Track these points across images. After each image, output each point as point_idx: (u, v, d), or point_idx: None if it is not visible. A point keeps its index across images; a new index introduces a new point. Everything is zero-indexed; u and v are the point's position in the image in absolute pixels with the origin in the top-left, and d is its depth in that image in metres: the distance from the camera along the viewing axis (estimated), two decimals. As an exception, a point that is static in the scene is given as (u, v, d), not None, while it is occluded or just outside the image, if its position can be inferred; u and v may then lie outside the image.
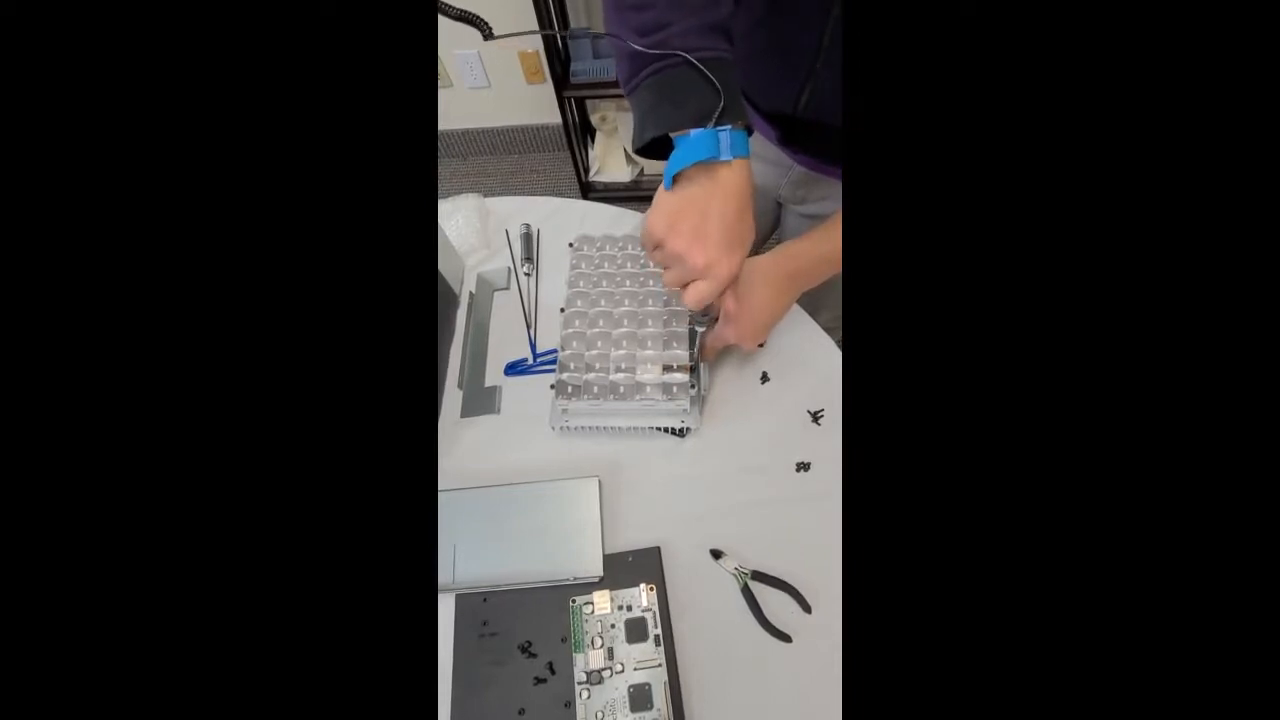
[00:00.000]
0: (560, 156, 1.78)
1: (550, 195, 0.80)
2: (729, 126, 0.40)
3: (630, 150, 1.56)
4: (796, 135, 0.64)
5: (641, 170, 1.66)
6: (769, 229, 0.84)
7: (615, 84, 1.37)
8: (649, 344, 0.58)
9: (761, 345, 0.63)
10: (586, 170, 1.65)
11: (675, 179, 0.42)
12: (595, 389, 0.56)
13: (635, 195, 1.62)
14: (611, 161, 1.66)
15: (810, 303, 0.64)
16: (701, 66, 0.40)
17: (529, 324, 0.68)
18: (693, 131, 0.40)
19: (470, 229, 0.76)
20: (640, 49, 0.41)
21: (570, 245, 0.66)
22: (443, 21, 0.53)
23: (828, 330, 0.65)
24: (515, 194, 0.84)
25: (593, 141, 1.68)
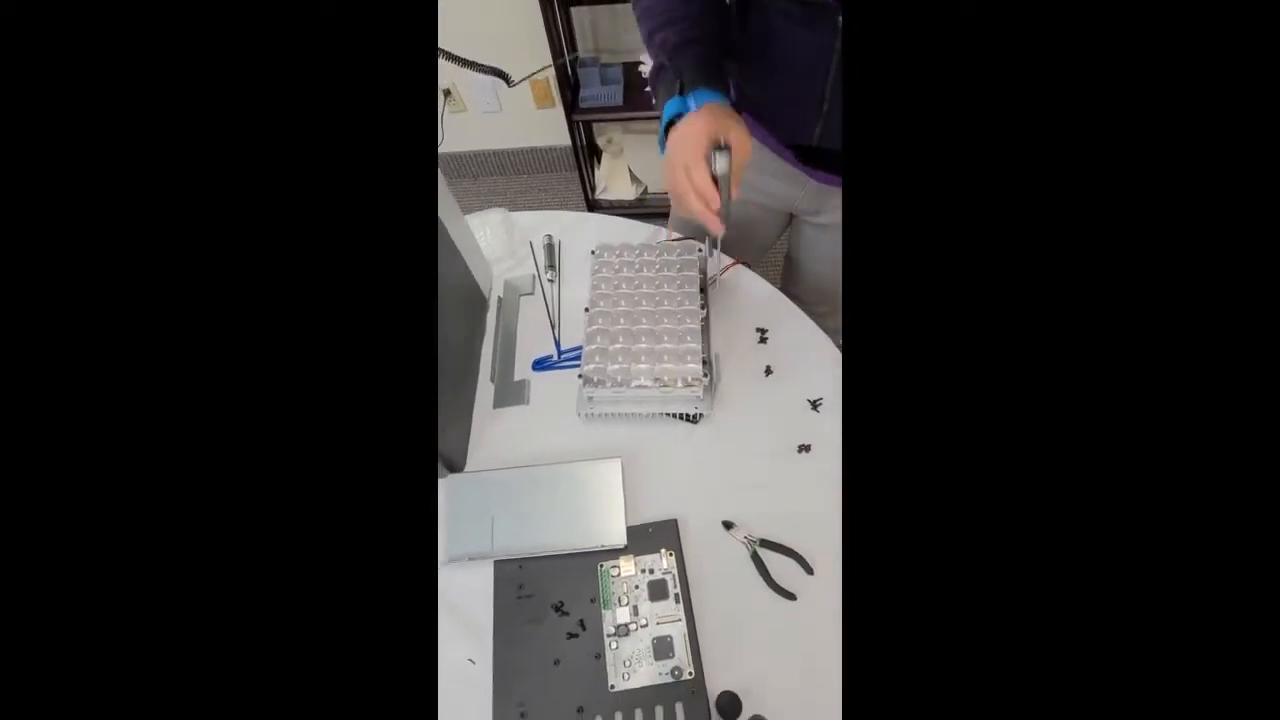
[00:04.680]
0: (567, 176, 1.87)
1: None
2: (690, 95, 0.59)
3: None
4: (814, 158, 0.72)
5: (645, 189, 1.74)
6: (775, 236, 0.91)
7: (621, 109, 1.46)
8: (666, 339, 0.65)
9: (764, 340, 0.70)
10: (593, 189, 1.74)
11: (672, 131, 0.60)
12: (619, 378, 0.63)
13: (639, 212, 1.70)
14: (617, 181, 1.74)
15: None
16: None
17: (553, 324, 0.75)
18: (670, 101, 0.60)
19: (497, 240, 0.83)
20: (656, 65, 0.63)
21: (593, 253, 0.74)
22: (458, 44, 0.60)
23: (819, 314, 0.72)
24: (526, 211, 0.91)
25: (599, 162, 1.76)
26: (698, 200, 0.55)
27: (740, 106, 0.73)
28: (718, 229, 0.57)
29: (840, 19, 0.55)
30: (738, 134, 0.55)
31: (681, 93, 0.59)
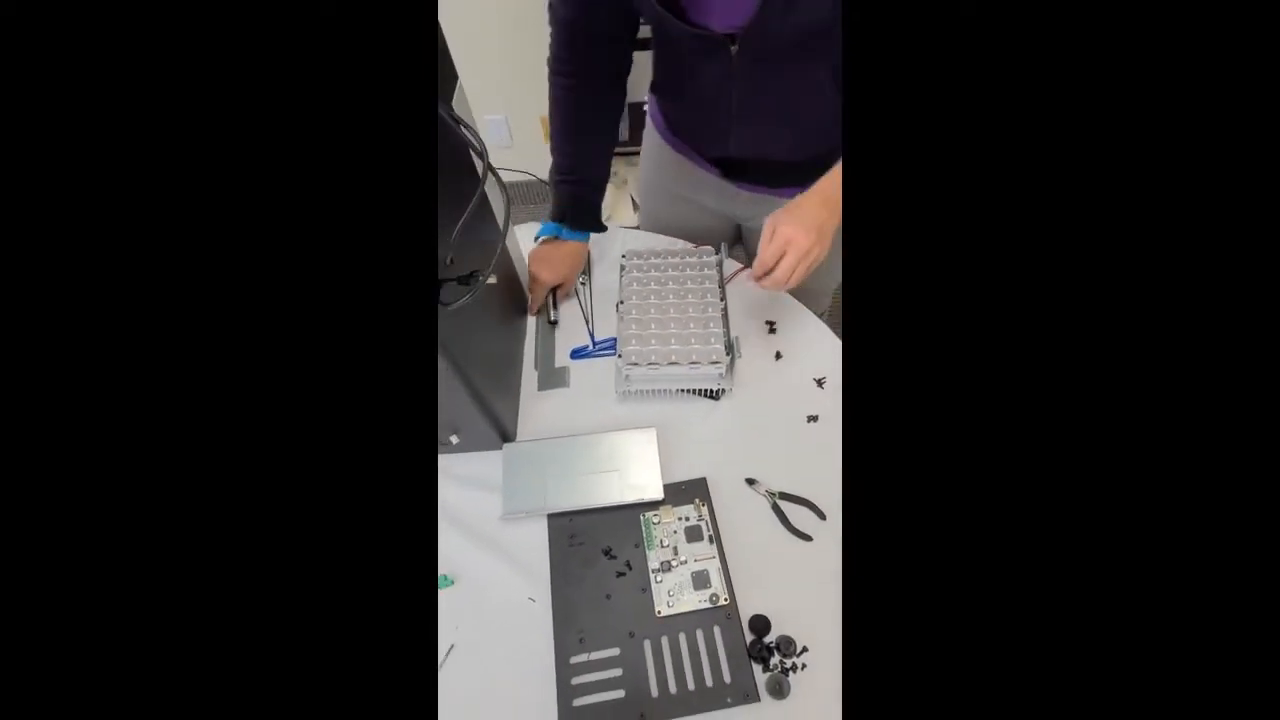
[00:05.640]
0: (572, 206, 2.00)
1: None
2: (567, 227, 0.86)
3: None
4: (735, 171, 0.84)
5: (646, 216, 1.88)
6: (733, 239, 1.04)
7: (626, 143, 1.60)
8: (691, 325, 0.75)
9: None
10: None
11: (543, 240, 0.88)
12: (653, 357, 0.73)
13: (642, 238, 1.83)
14: (619, 209, 1.88)
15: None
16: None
17: (588, 319, 0.86)
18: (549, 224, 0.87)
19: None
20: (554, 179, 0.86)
21: (623, 256, 0.85)
22: (474, 85, 0.73)
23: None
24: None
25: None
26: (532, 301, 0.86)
27: (667, 126, 0.89)
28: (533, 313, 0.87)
29: (733, 49, 0.67)
30: (567, 283, 0.86)
31: (561, 222, 0.85)
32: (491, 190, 0.59)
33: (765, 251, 0.66)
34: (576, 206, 0.85)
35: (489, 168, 0.47)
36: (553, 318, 0.86)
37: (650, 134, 0.94)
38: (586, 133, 0.82)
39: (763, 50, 0.66)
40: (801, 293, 0.87)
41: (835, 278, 1.00)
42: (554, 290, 0.86)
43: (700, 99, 0.77)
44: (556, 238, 0.87)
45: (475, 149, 0.47)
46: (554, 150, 0.83)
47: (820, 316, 0.85)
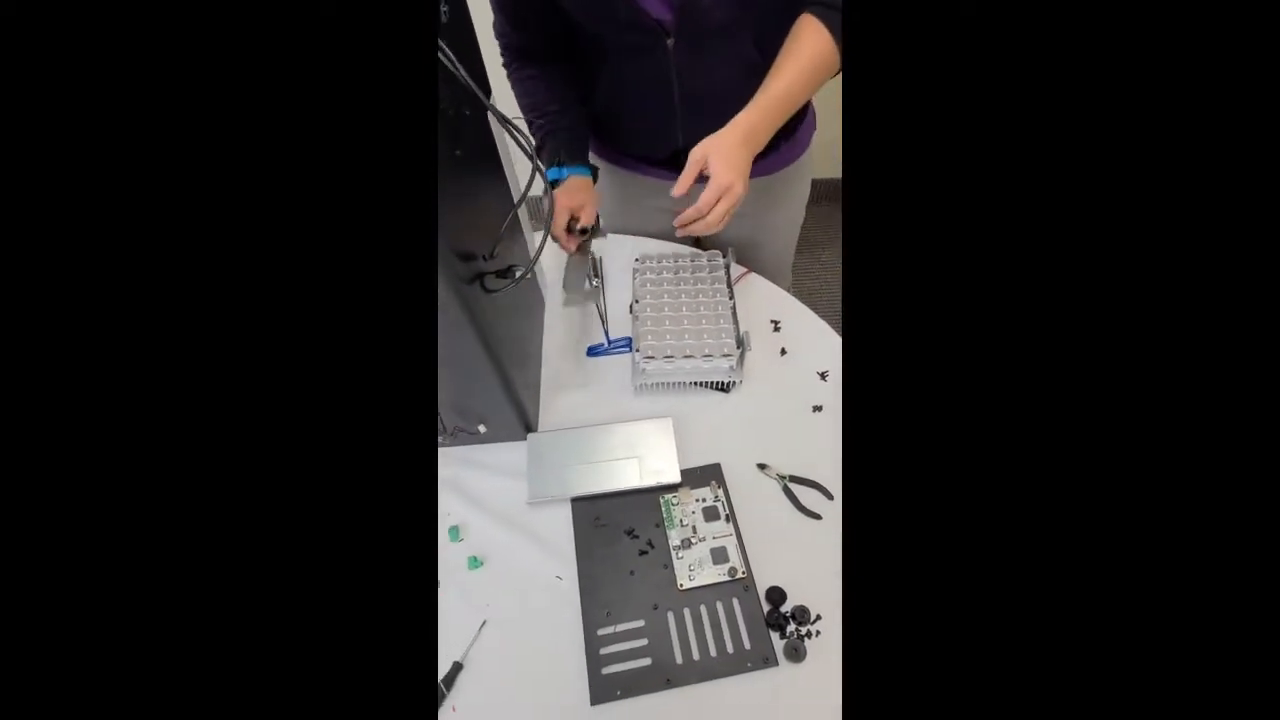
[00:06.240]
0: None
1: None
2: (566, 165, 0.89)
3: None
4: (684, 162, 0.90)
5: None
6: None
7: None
8: (703, 322, 0.80)
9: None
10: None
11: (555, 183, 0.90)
12: (668, 351, 0.78)
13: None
14: (617, 225, 1.94)
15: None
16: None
17: (603, 318, 0.90)
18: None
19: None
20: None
21: (635, 260, 0.90)
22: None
23: None
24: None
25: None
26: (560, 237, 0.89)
27: (603, 146, 0.97)
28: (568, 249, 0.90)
29: (669, 41, 0.73)
30: (588, 209, 0.89)
31: (560, 164, 0.90)
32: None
33: (703, 196, 0.72)
34: (568, 146, 0.90)
35: (536, 168, 0.52)
36: (592, 284, 0.88)
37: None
38: (555, 97, 0.88)
39: (697, 36, 0.72)
40: (762, 270, 0.94)
41: (788, 252, 1.11)
42: (581, 233, 0.89)
43: (642, 101, 0.84)
44: (559, 180, 0.91)
45: (524, 149, 0.52)
46: (530, 125, 0.89)
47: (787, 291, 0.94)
